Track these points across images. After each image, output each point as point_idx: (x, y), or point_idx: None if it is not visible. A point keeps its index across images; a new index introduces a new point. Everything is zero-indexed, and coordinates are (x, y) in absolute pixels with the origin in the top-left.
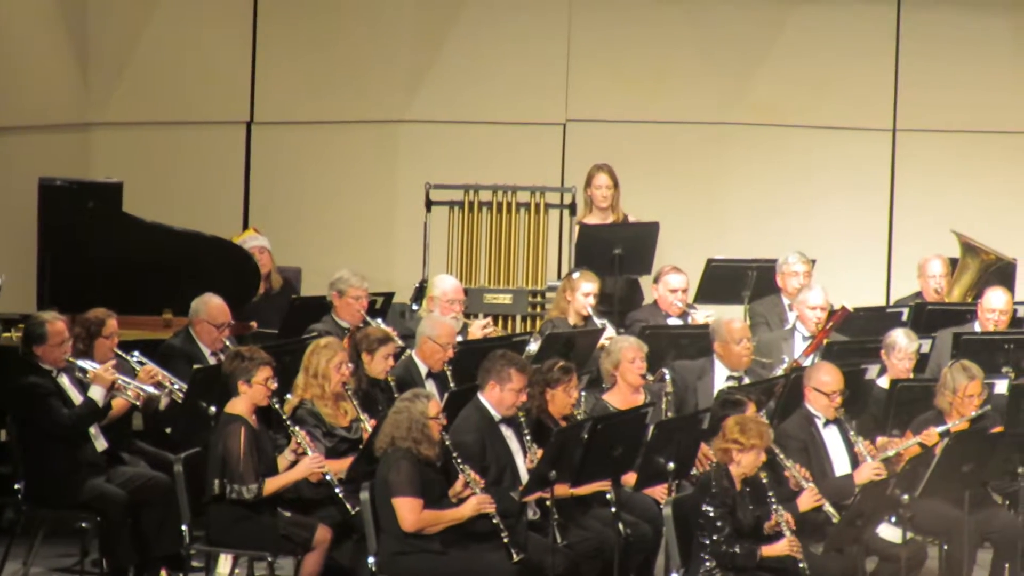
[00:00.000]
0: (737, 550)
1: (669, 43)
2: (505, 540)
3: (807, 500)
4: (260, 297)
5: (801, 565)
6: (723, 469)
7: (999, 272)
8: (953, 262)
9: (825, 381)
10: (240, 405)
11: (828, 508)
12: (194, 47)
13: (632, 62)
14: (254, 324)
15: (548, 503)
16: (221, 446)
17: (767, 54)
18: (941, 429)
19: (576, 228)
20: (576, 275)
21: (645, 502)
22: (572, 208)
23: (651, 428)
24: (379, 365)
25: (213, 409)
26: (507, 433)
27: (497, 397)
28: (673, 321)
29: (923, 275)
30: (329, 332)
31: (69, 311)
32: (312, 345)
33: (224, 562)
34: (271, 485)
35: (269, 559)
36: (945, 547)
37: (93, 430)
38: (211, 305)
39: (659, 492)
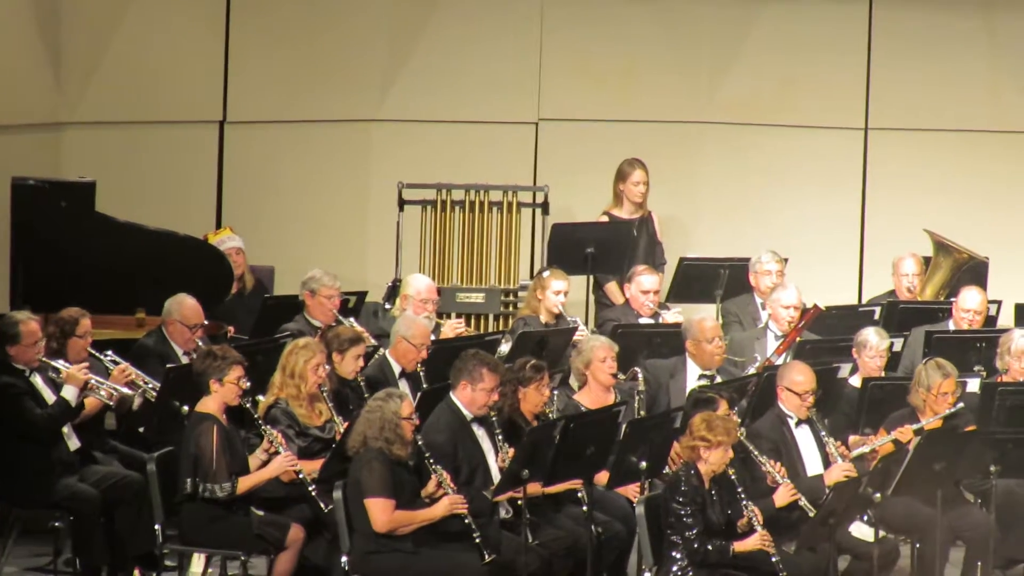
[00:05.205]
0: (709, 547)
1: (641, 42)
2: (477, 540)
3: (783, 495)
4: (233, 298)
5: (774, 559)
6: (692, 467)
7: (972, 271)
8: (926, 261)
9: (798, 381)
10: (211, 404)
11: (804, 503)
12: (166, 46)
13: (604, 61)
14: (231, 329)
15: (520, 502)
16: (193, 445)
17: (738, 53)
18: (915, 427)
19: (550, 227)
20: (546, 273)
21: (618, 501)
22: (544, 207)
23: (623, 427)
24: (349, 365)
25: (186, 409)
26: (479, 432)
27: (469, 397)
28: (644, 320)
29: (896, 274)
30: (302, 331)
31: (42, 311)
32: (291, 345)
33: (197, 561)
34: (244, 484)
35: (242, 558)
36: (917, 545)
37: (66, 429)
38: (184, 306)
39: (631, 491)
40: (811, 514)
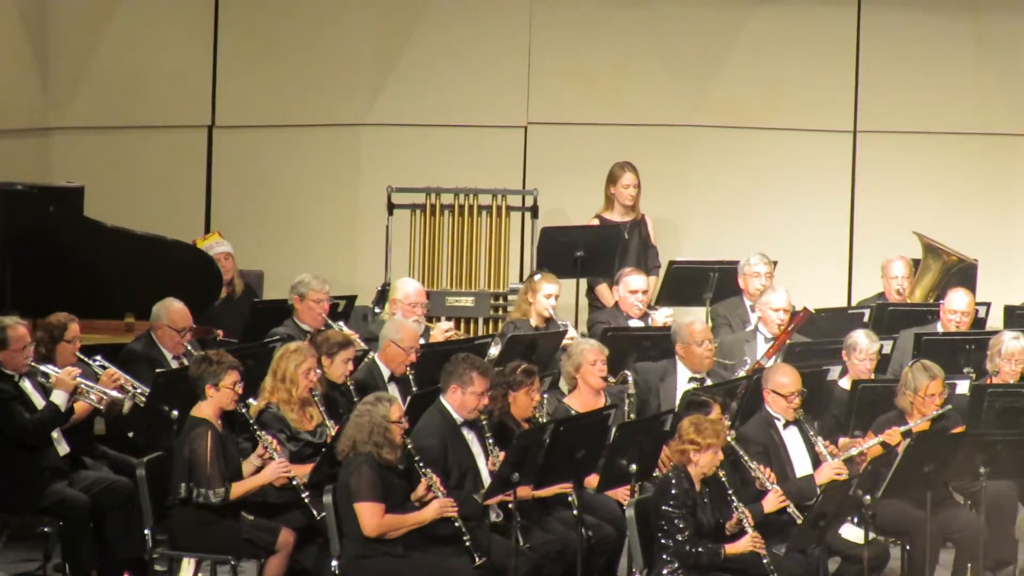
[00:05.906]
0: (701, 550)
1: (630, 45)
2: (467, 543)
3: (772, 502)
4: (222, 302)
5: (764, 560)
6: (681, 470)
7: (960, 273)
8: (915, 263)
9: (783, 383)
10: (207, 409)
11: (792, 510)
12: (155, 51)
13: (593, 64)
14: (220, 333)
15: (510, 506)
16: (187, 450)
17: (728, 56)
18: (903, 429)
19: (539, 230)
20: (537, 277)
21: (608, 504)
22: (534, 210)
23: (613, 430)
24: (338, 369)
25: (175, 413)
26: (469, 436)
27: (459, 400)
28: (634, 323)
29: (885, 276)
30: (291, 336)
31: (31, 316)
32: (282, 349)
33: (187, 566)
34: (238, 489)
35: (232, 563)
36: (907, 547)
37: (55, 434)
38: (172, 310)
39: (622, 494)
40: (799, 521)
